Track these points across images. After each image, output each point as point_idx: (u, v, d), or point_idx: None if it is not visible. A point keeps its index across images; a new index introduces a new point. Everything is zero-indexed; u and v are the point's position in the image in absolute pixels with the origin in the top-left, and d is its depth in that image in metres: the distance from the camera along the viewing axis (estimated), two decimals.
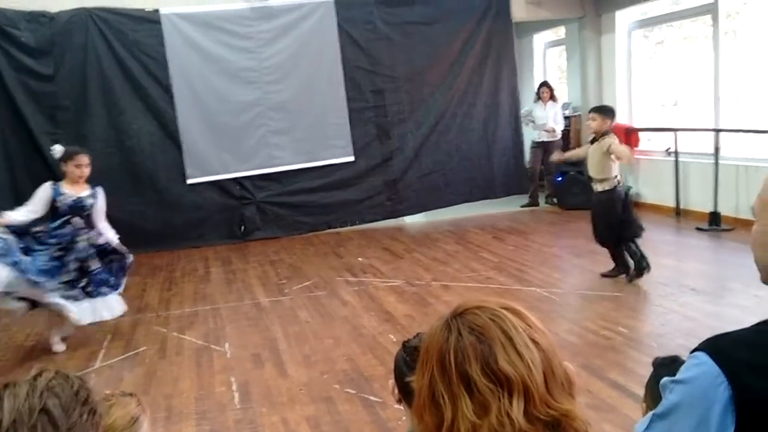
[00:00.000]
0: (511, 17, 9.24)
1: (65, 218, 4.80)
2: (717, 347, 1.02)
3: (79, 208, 4.87)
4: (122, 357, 4.83)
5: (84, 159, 4.94)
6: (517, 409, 0.92)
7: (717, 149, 7.49)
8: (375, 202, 8.99)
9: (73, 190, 4.89)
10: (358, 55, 8.80)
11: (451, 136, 9.19)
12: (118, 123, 8.23)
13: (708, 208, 7.51)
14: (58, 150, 4.97)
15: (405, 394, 1.88)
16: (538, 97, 9.73)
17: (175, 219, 8.44)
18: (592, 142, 5.71)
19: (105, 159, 8.20)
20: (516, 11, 9.26)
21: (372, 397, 3.85)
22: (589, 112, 5.88)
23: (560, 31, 10.96)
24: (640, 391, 3.53)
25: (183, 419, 3.78)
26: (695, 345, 1.06)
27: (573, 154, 6.60)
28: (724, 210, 7.41)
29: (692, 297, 5.22)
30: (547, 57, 11.81)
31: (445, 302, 5.53)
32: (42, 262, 4.59)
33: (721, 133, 7.66)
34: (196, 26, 8.32)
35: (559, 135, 9.66)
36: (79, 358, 4.85)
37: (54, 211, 4.81)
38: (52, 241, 4.71)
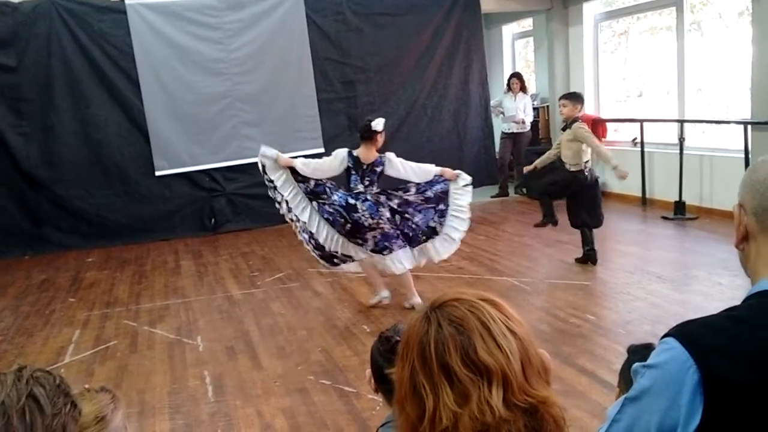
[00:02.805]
0: (480, 8, 9.28)
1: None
2: (686, 332, 1.05)
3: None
4: (92, 351, 4.78)
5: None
6: (496, 397, 0.95)
7: (681, 139, 7.64)
8: None
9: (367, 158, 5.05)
10: (327, 46, 8.77)
11: (421, 126, 9.23)
12: (85, 115, 8.11)
13: (673, 198, 7.67)
14: (381, 122, 5.09)
15: (381, 383, 1.91)
16: (509, 88, 9.80)
17: (144, 212, 8.36)
18: (564, 129, 5.92)
19: (72, 151, 8.11)
20: (485, 2, 9.31)
21: (347, 388, 3.88)
22: (560, 99, 6.04)
23: (527, 23, 11.05)
24: (609, 377, 3.63)
25: (156, 413, 3.77)
26: (662, 331, 1.10)
27: (541, 160, 6.35)
28: (689, 199, 7.57)
29: (658, 284, 5.33)
30: (515, 48, 11.89)
31: (418, 293, 5.56)
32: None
33: (686, 124, 7.81)
34: (163, 16, 8.21)
35: (528, 126, 9.75)
36: (48, 352, 4.80)
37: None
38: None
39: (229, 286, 6.23)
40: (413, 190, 5.10)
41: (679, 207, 7.58)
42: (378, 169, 5.02)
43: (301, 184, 5.03)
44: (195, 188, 8.58)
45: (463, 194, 5.17)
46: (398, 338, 1.92)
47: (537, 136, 10.17)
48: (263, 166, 5.12)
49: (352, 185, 5.02)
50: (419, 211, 5.04)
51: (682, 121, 7.84)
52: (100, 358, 4.65)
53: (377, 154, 5.05)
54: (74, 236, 8.15)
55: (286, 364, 4.33)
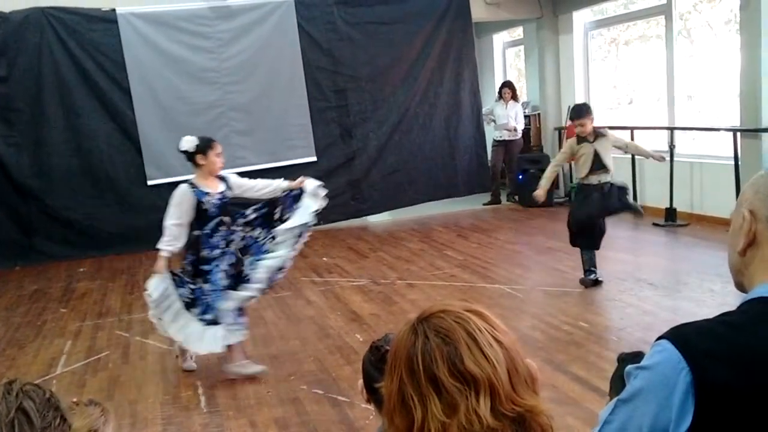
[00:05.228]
0: (470, 17, 9.33)
1: (216, 221, 4.23)
2: (679, 335, 1.07)
3: (225, 205, 4.26)
4: (84, 362, 4.76)
5: (219, 146, 4.32)
6: (484, 407, 0.96)
7: (672, 146, 7.69)
8: (339, 201, 8.96)
9: (211, 187, 4.21)
10: (319, 55, 8.79)
11: (413, 135, 9.25)
12: (76, 125, 8.09)
13: (664, 204, 7.70)
14: (190, 141, 4.17)
15: (373, 393, 1.91)
16: (500, 96, 9.85)
17: (136, 221, 8.30)
18: (584, 140, 5.50)
19: (63, 161, 8.09)
20: (475, 11, 9.35)
21: (340, 397, 3.87)
22: (574, 119, 5.58)
23: (518, 31, 11.11)
24: (602, 385, 3.64)
25: (149, 425, 3.75)
26: (654, 338, 1.11)
27: (545, 181, 5.88)
28: (680, 206, 7.61)
29: (650, 291, 5.35)
30: (506, 57, 11.95)
31: (411, 301, 5.58)
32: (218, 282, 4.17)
33: (676, 131, 7.86)
34: (154, 26, 8.21)
35: (519, 134, 9.81)
36: (40, 364, 4.77)
37: (200, 215, 4.19)
38: (215, 253, 4.19)
39: None
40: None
41: (670, 214, 7.62)
42: (230, 195, 4.34)
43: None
44: None
45: (302, 212, 4.33)
46: (388, 347, 1.92)
47: (528, 144, 10.22)
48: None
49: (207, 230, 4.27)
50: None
51: (672, 129, 7.89)
52: (92, 370, 4.63)
53: (217, 179, 4.30)
54: (66, 246, 8.11)
55: (278, 373, 4.32)
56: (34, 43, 7.84)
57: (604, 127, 5.63)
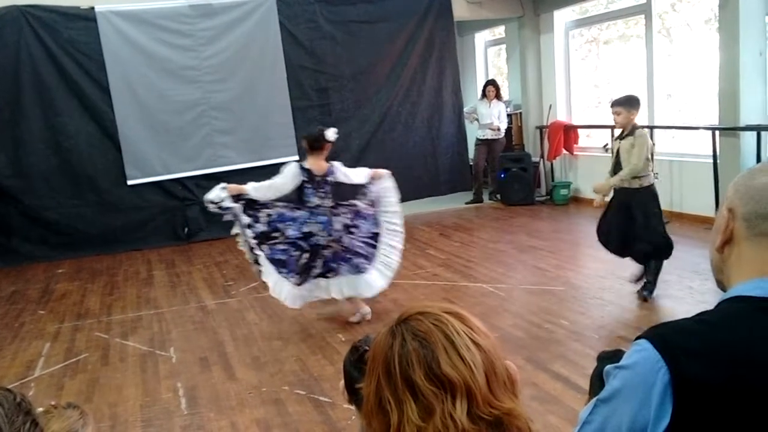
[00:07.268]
0: (452, 16, 9.34)
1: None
2: (658, 334, 1.07)
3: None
4: (63, 364, 4.70)
5: None
6: (460, 411, 0.95)
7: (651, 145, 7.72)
8: None
9: (320, 169, 4.97)
10: (301, 53, 8.76)
11: (395, 134, 9.25)
12: (55, 124, 8.00)
13: None
14: (334, 132, 5.03)
15: (354, 394, 1.90)
16: (484, 95, 9.86)
17: (115, 221, 8.26)
18: (621, 137, 5.12)
19: (42, 161, 8.00)
20: (457, 10, 9.37)
21: (322, 398, 3.86)
22: (612, 105, 5.12)
23: (500, 30, 11.14)
24: (583, 383, 3.65)
25: (129, 427, 3.71)
26: (634, 335, 1.11)
27: (602, 187, 5.35)
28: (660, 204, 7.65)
29: (630, 289, 5.37)
30: (488, 56, 11.98)
31: (393, 300, 5.57)
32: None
33: (656, 129, 7.92)
34: (134, 24, 8.14)
35: (503, 133, 9.84)
36: (18, 366, 4.70)
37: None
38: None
39: (202, 295, 6.18)
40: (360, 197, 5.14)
41: None
42: (330, 179, 4.96)
43: (248, 230, 4.95)
44: (168, 197, 8.50)
45: (391, 195, 5.16)
46: (366, 348, 1.91)
47: (510, 143, 10.26)
48: (218, 207, 4.98)
49: (306, 199, 4.93)
50: (364, 218, 5.04)
51: (651, 127, 7.94)
52: (70, 372, 4.58)
53: (327, 164, 4.99)
54: (44, 247, 8.02)
55: (260, 374, 4.29)
56: (11, 41, 7.74)
57: (643, 127, 5.12)
